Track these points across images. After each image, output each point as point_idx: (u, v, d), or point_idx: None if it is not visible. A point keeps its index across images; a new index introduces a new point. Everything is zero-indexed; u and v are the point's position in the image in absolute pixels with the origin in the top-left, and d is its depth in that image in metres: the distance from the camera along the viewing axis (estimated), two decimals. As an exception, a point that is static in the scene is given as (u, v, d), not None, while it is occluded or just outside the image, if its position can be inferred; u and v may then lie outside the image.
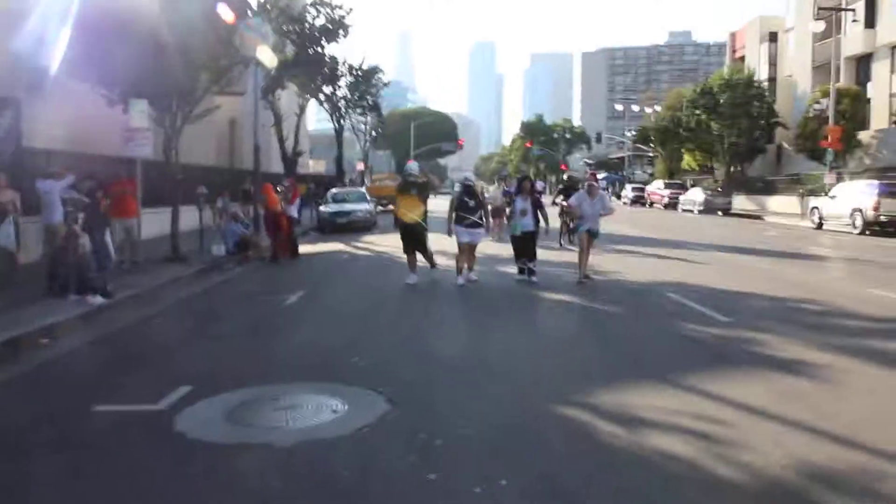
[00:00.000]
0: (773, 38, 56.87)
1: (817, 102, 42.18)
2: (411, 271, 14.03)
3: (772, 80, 55.59)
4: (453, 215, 13.87)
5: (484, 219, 14.11)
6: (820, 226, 30.15)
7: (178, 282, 14.66)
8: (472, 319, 10.91)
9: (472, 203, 13.95)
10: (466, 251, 13.88)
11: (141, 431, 5.98)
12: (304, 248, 21.18)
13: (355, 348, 8.74)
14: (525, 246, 14.04)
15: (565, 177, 21.79)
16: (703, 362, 7.90)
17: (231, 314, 11.77)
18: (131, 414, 6.43)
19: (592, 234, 13.86)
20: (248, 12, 18.32)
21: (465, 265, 13.91)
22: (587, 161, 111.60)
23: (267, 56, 17.05)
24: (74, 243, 12.15)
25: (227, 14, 15.68)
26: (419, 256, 14.59)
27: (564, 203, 19.27)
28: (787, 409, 6.14)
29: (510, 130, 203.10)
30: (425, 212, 14.37)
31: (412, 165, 15.56)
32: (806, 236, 26.65)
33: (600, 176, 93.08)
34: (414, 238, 14.20)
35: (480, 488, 4.67)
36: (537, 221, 14.08)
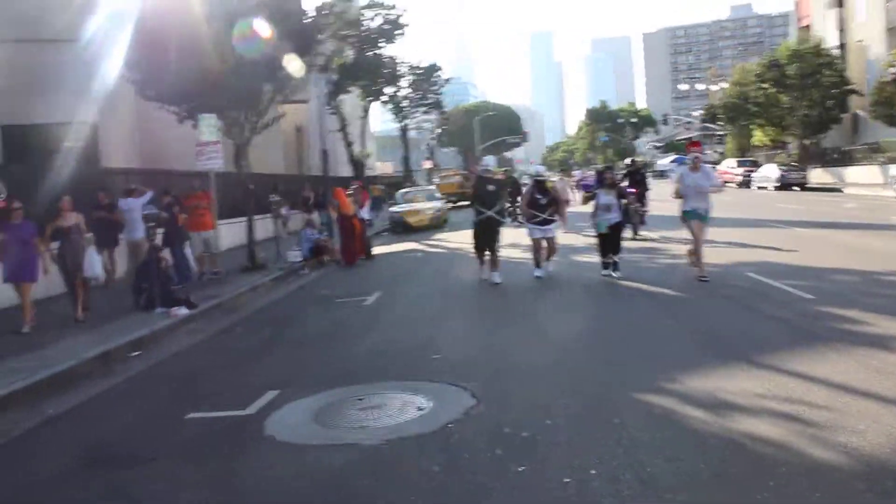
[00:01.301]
0: (840, 2, 54.93)
1: (893, 66, 40.62)
2: (482, 265, 13.78)
3: (842, 46, 53.72)
4: (525, 210, 13.58)
5: (558, 215, 13.69)
6: (904, 194, 29.06)
7: (257, 290, 14.98)
8: (548, 312, 10.86)
9: (543, 200, 13.36)
10: (542, 245, 13.47)
11: (232, 436, 6.14)
12: (377, 249, 21.38)
13: (435, 345, 8.81)
14: (611, 240, 13.06)
15: (628, 161, 19.41)
16: (789, 342, 7.71)
17: (311, 318, 11.96)
18: (222, 420, 6.61)
19: (702, 218, 12.02)
20: (305, 20, 18.52)
21: (543, 257, 13.51)
22: (655, 144, 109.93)
23: (295, 66, 17.11)
24: (157, 258, 12.53)
25: (264, 28, 15.89)
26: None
27: (631, 189, 17.76)
28: (881, 387, 5.96)
29: (574, 119, 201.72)
30: (503, 208, 13.99)
31: (488, 160, 15.64)
32: (890, 206, 25.71)
33: (668, 159, 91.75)
34: (489, 235, 13.48)
35: (570, 478, 4.66)
36: (624, 213, 13.44)
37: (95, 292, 13.38)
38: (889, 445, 4.79)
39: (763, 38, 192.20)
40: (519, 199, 15.06)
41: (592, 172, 70.58)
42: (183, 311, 11.94)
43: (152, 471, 5.53)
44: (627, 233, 17.83)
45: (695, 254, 12.04)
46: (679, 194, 12.12)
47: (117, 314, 11.98)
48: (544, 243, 13.48)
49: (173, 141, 20.39)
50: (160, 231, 14.10)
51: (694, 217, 11.92)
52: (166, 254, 13.99)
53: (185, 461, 5.69)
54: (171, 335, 10.95)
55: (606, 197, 13.08)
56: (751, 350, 7.41)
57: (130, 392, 8.16)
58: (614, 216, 13.01)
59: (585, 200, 13.63)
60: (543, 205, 13.33)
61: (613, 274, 12.77)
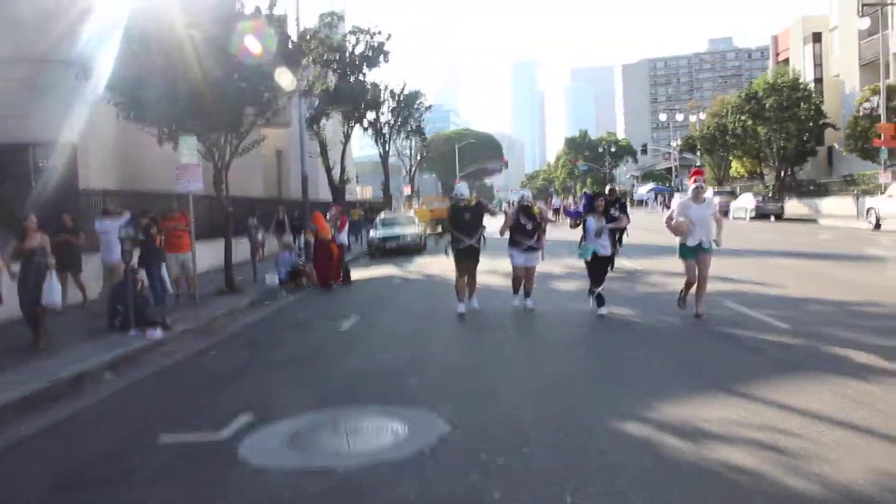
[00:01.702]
0: (816, 38, 55.96)
1: (867, 101, 41.28)
2: (460, 300, 13.01)
3: (818, 80, 54.65)
4: (508, 236, 12.98)
5: (540, 241, 12.96)
6: (877, 226, 29.44)
7: (233, 312, 14.87)
8: (526, 339, 10.86)
9: (529, 225, 12.75)
10: (523, 274, 12.93)
11: (205, 460, 6.06)
12: (355, 274, 21.32)
13: (411, 370, 8.77)
14: (600, 270, 12.27)
15: (607, 189, 18.15)
16: (765, 371, 7.75)
17: (287, 342, 11.88)
18: (196, 443, 6.52)
19: (703, 250, 11.09)
20: (289, 44, 18.58)
21: (522, 288, 13.04)
22: (633, 174, 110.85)
23: (286, 79, 17.12)
24: (133, 279, 12.42)
25: (255, 47, 15.92)
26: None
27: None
28: (856, 416, 5.99)
29: (554, 147, 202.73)
30: (482, 236, 13.29)
31: (461, 187, 13.83)
32: (863, 238, 26.02)
33: (647, 188, 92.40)
34: (470, 262, 12.99)
35: (545, 506, 4.63)
36: (614, 243, 12.60)
37: (61, 316, 13.26)
38: (862, 475, 4.81)
39: (741, 70, 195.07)
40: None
41: (571, 200, 70.98)
42: (157, 333, 11.81)
43: (123, 495, 5.43)
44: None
45: (696, 291, 11.13)
46: (678, 228, 11.02)
47: (91, 335, 11.84)
48: (525, 271, 12.92)
49: (153, 162, 20.30)
50: (136, 252, 14.00)
51: (698, 251, 11.02)
52: (142, 275, 13.87)
53: (157, 485, 5.60)
54: (146, 357, 10.82)
55: (597, 223, 12.20)
56: (727, 379, 7.43)
57: (103, 414, 8.04)
58: (605, 244, 12.23)
59: (574, 226, 12.48)
60: (529, 230, 12.75)
61: (598, 309, 11.89)
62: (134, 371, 10.00)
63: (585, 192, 13.17)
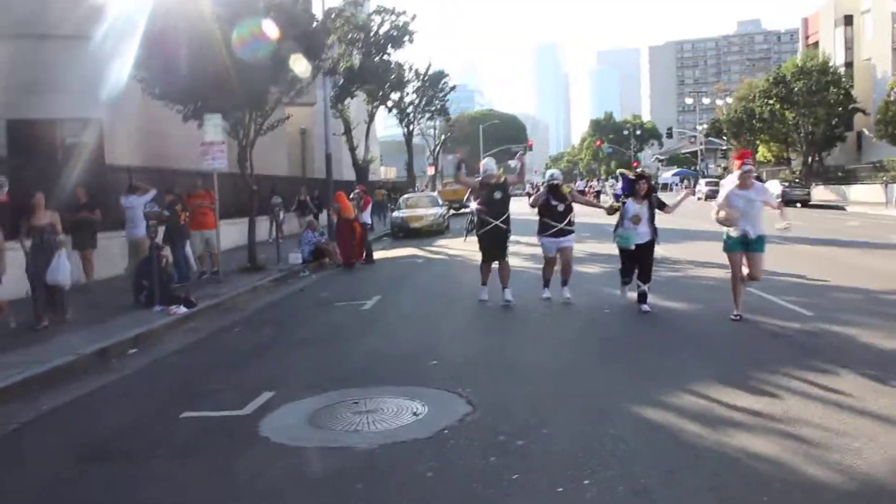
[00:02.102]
0: (848, 21, 55.09)
1: (899, 85, 40.66)
2: (484, 284, 12.35)
3: (848, 64, 53.89)
4: (539, 220, 12.02)
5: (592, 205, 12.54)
6: (906, 214, 29.07)
7: (256, 290, 14.98)
8: (549, 321, 10.84)
9: (560, 207, 11.76)
10: (555, 262, 11.98)
11: (227, 437, 6.13)
12: (378, 254, 21.40)
13: (433, 351, 8.80)
14: (640, 260, 10.99)
15: (627, 173, 12.92)
16: (788, 358, 7.70)
17: (309, 321, 11.96)
18: (217, 420, 6.60)
19: (753, 246, 9.67)
20: (314, 24, 18.56)
21: (560, 275, 11.97)
22: (658, 157, 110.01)
23: (301, 67, 17.11)
24: (158, 256, 12.54)
25: (272, 31, 15.91)
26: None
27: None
28: (878, 405, 5.95)
29: (579, 129, 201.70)
30: (509, 216, 12.30)
31: (489, 163, 12.64)
32: (891, 226, 25.70)
33: (671, 171, 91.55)
34: (498, 245, 12.06)
35: (563, 488, 4.66)
36: (655, 230, 11.04)
37: (85, 293, 13.44)
38: (885, 464, 4.78)
39: (770, 54, 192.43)
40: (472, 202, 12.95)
41: (596, 183, 70.33)
42: (182, 309, 11.94)
43: (146, 469, 5.52)
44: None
45: (734, 288, 9.88)
46: (726, 219, 9.65)
47: (116, 311, 11.98)
48: (558, 258, 11.91)
49: (178, 140, 20.40)
50: (161, 229, 14.12)
51: (742, 247, 9.67)
52: (167, 252, 14.00)
53: (180, 460, 5.69)
54: (170, 333, 10.95)
55: (636, 207, 10.92)
56: (748, 366, 7.40)
57: (126, 389, 8.15)
58: (645, 231, 10.88)
59: (612, 211, 11.31)
60: (560, 212, 11.76)
61: (641, 307, 10.76)
62: (158, 347, 10.12)
63: (622, 174, 12.35)
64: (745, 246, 9.63)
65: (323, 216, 25.87)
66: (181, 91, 15.92)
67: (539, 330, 10.18)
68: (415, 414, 6.32)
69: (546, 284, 12.23)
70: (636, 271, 11.14)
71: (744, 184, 9.65)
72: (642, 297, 10.89)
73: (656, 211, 11.05)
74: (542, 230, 11.96)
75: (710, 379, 7.00)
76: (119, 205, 15.26)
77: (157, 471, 5.48)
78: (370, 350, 9.23)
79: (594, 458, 5.14)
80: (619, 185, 11.49)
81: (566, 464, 5.06)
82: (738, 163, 10.02)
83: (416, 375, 7.67)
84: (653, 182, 13.57)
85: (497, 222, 11.94)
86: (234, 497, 4.99)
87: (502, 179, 12.49)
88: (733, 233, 9.62)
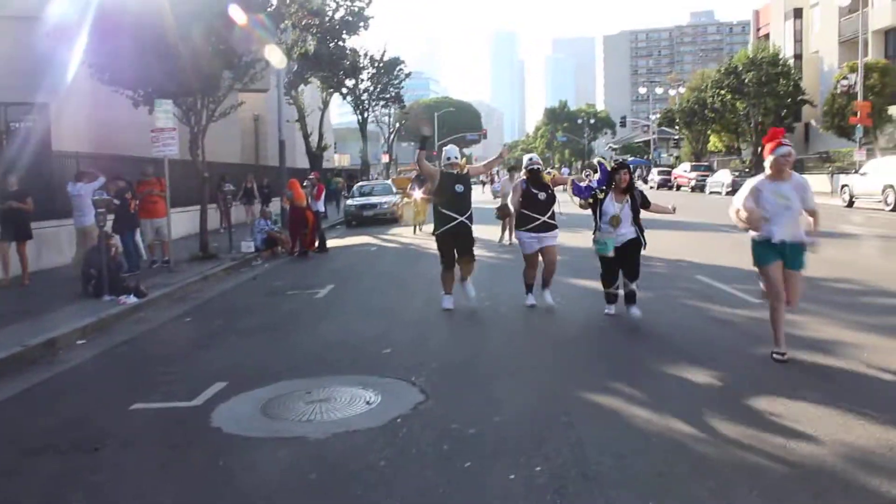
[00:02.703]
0: (797, 14, 56.10)
1: (845, 78, 41.55)
2: (447, 293, 10.66)
3: (797, 57, 54.90)
4: (512, 213, 10.74)
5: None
6: (851, 204, 29.76)
7: (208, 279, 14.82)
8: (504, 310, 10.89)
9: (541, 195, 10.22)
10: (536, 262, 10.46)
11: (178, 428, 6.07)
12: (331, 242, 21.29)
13: (386, 340, 8.80)
14: (625, 263, 9.39)
15: (605, 163, 10.35)
16: (736, 345, 7.86)
17: (262, 309, 11.87)
18: (168, 411, 6.53)
19: (794, 261, 7.22)
20: (267, 9, 18.35)
21: (541, 279, 10.59)
22: (612, 146, 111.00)
23: (276, 56, 16.96)
24: (107, 244, 12.33)
25: (239, 15, 15.72)
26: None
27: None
28: (821, 390, 6.10)
29: (534, 118, 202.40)
30: (472, 213, 10.76)
31: (451, 150, 10.84)
32: (837, 215, 26.31)
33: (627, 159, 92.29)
34: (462, 244, 10.42)
35: (515, 475, 4.70)
36: (641, 229, 9.47)
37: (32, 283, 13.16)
38: (826, 447, 4.92)
39: (722, 44, 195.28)
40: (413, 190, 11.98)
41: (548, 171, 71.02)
42: (131, 299, 11.76)
43: (95, 461, 5.44)
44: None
45: (774, 316, 7.20)
46: (748, 221, 7.14)
47: (64, 301, 11.77)
48: (540, 257, 10.41)
49: (128, 126, 20.06)
50: (110, 217, 13.87)
51: (778, 256, 7.13)
52: (117, 240, 13.76)
53: (130, 452, 5.62)
54: (119, 324, 10.78)
55: (615, 206, 9.32)
56: (698, 352, 7.53)
57: (75, 381, 8.01)
58: (626, 232, 9.34)
59: (585, 206, 9.80)
60: (542, 202, 10.23)
61: (630, 312, 9.30)
62: (107, 338, 9.96)
63: (601, 163, 10.09)
64: (784, 256, 7.12)
65: (275, 204, 25.60)
66: (131, 76, 15.65)
67: (493, 319, 10.21)
68: (368, 403, 6.32)
69: (529, 290, 10.63)
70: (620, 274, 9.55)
71: (778, 172, 6.99)
72: (630, 298, 9.36)
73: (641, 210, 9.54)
74: (521, 223, 10.36)
75: (659, 366, 7.11)
76: (66, 192, 14.94)
77: (105, 463, 5.41)
78: (323, 339, 9.20)
79: (546, 444, 5.20)
80: (597, 176, 9.83)
81: (518, 451, 5.11)
82: (769, 146, 7.13)
83: (370, 364, 7.66)
84: (635, 175, 10.98)
85: (462, 218, 10.23)
86: (184, 488, 4.95)
87: (465, 170, 10.63)
88: (774, 235, 7.03)
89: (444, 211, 10.34)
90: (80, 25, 15.61)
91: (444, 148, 10.87)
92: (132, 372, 8.21)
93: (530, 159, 10.73)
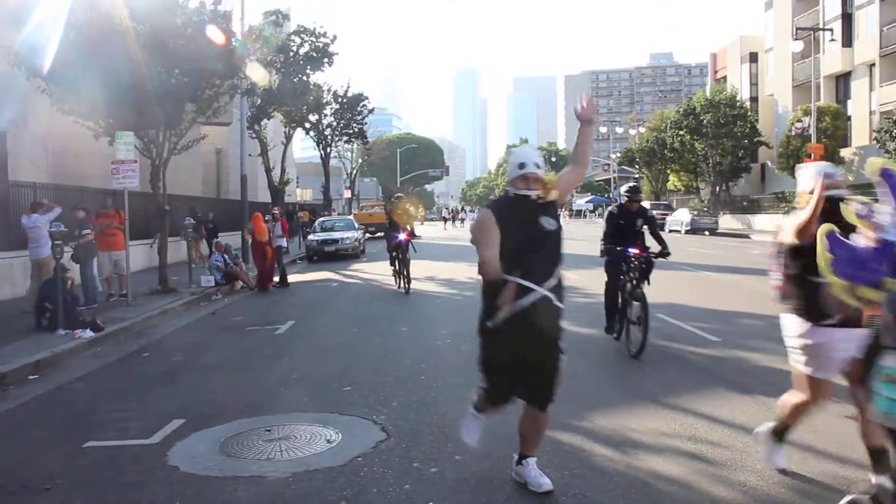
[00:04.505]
0: (753, 58, 57.65)
1: (799, 121, 42.67)
2: (479, 412, 5.98)
3: (754, 99, 56.28)
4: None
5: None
6: (806, 243, 30.29)
7: (166, 314, 14.61)
8: (460, 347, 10.85)
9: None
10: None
11: (134, 466, 5.93)
12: (293, 277, 21.16)
13: (347, 377, 8.72)
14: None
15: (625, 189, 9.98)
16: (696, 383, 7.92)
17: (221, 345, 11.72)
18: (123, 449, 6.38)
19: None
20: (233, 41, 18.36)
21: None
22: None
23: (259, 74, 16.98)
24: (63, 277, 12.11)
25: (217, 36, 15.72)
26: None
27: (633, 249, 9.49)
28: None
29: (495, 154, 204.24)
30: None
31: (528, 153, 5.15)
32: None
33: (585, 199, 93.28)
34: (541, 352, 5.11)
35: (477, 515, 4.66)
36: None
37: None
38: (784, 484, 4.97)
39: (681, 86, 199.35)
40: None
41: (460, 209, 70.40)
42: (87, 333, 11.54)
43: (46, 500, 5.29)
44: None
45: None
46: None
47: (17, 334, 11.51)
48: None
49: (88, 157, 19.85)
50: (69, 248, 13.64)
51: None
52: (73, 273, 13.53)
53: (82, 491, 5.47)
54: (74, 358, 10.56)
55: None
56: (658, 390, 7.58)
57: (26, 417, 7.81)
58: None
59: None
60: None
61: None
62: (61, 373, 9.75)
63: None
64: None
65: (234, 238, 25.32)
66: (92, 107, 15.50)
67: (452, 355, 10.18)
68: (328, 441, 6.25)
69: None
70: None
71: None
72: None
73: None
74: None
75: (619, 403, 7.14)
76: (21, 224, 14.67)
77: (55, 502, 5.26)
78: (283, 376, 9.09)
79: (507, 483, 5.17)
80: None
81: (479, 490, 5.08)
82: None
83: (330, 402, 7.59)
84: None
85: (543, 291, 4.96)
86: (139, 529, 4.83)
87: (552, 194, 5.12)
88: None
89: (516, 276, 4.87)
90: (41, 54, 15.45)
91: (513, 151, 5.35)
92: (86, 408, 8.03)
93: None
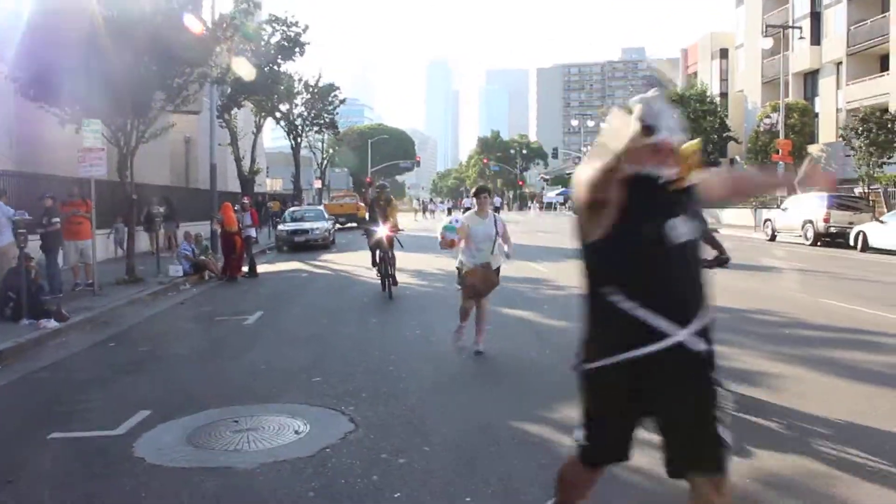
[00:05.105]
0: (723, 54, 58.11)
1: (768, 117, 43.16)
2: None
3: (723, 95, 56.74)
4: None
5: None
6: (773, 237, 30.72)
7: (134, 304, 14.46)
8: (437, 338, 10.88)
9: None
10: None
11: (99, 458, 5.87)
12: (262, 268, 21.03)
13: (316, 368, 8.70)
14: None
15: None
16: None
17: (189, 336, 11.63)
18: (89, 440, 6.31)
19: None
20: (204, 29, 18.16)
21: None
22: (544, 177, 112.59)
23: (245, 69, 16.88)
24: (27, 266, 11.94)
25: (195, 25, 15.56)
26: None
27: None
28: (748, 421, 6.24)
29: (467, 147, 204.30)
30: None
31: (657, 108, 3.04)
32: (759, 248, 27.12)
33: (556, 191, 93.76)
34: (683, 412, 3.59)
35: (444, 506, 4.68)
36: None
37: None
38: (751, 476, 5.04)
39: (652, 81, 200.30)
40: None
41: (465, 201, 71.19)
42: (52, 323, 11.39)
43: (8, 494, 5.22)
44: None
45: None
46: None
47: (-20, 324, 11.34)
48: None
49: (54, 144, 19.54)
50: (34, 237, 13.45)
51: None
52: (36, 262, 13.33)
53: (47, 484, 5.41)
54: (38, 348, 10.42)
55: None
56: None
57: (-11, 407, 7.71)
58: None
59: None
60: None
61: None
62: (25, 363, 9.62)
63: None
64: None
65: (204, 227, 25.03)
66: (59, 94, 15.26)
67: (422, 346, 10.20)
68: (296, 432, 6.23)
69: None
70: None
71: None
72: None
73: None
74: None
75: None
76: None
77: (19, 496, 5.20)
78: (251, 366, 9.04)
79: (475, 475, 5.19)
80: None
81: (447, 481, 5.09)
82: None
83: (299, 393, 7.57)
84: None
85: (679, 335, 3.22)
86: (104, 521, 4.78)
87: (689, 176, 3.24)
88: None
89: (616, 303, 3.22)
90: (6, 38, 15.19)
91: (643, 102, 3.08)
92: (51, 399, 7.92)
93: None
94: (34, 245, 13.83)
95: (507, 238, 9.12)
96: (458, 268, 9.23)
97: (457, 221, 9.05)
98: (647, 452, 5.55)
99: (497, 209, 70.98)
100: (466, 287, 9.11)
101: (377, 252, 15.05)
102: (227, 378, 8.49)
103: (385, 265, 14.62)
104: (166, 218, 23.72)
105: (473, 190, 9.45)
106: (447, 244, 8.94)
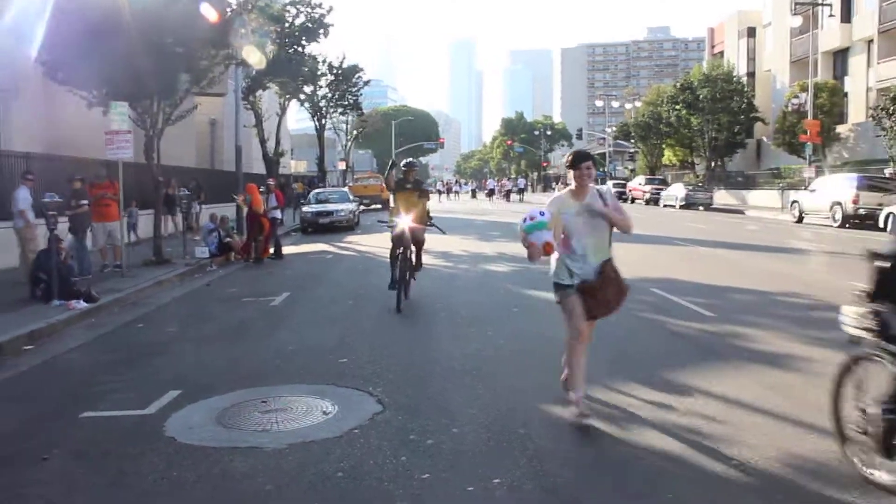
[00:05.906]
0: (751, 33, 57.28)
1: (795, 97, 42.51)
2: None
3: (751, 74, 56.01)
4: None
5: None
6: (800, 219, 30.37)
7: (161, 285, 14.59)
8: (462, 320, 10.87)
9: None
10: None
11: (130, 437, 5.94)
12: (287, 249, 21.13)
13: (343, 349, 8.73)
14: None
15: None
16: (690, 358, 7.95)
17: (217, 316, 11.71)
18: (120, 419, 6.39)
19: None
20: (228, 11, 18.18)
21: None
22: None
23: (255, 56, 16.87)
24: (57, 248, 12.06)
25: (210, 14, 15.57)
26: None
27: None
28: (772, 403, 6.20)
29: (491, 128, 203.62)
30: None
31: None
32: (787, 230, 26.84)
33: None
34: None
35: (473, 486, 4.69)
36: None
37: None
38: (779, 459, 4.99)
39: (678, 60, 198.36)
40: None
41: (507, 181, 71.00)
42: (82, 304, 11.52)
43: (43, 471, 5.30)
44: None
45: None
46: None
47: (10, 306, 11.48)
48: None
49: (82, 126, 19.68)
50: (64, 219, 13.56)
51: None
52: (68, 243, 13.46)
53: (80, 462, 5.48)
54: (69, 329, 10.55)
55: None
56: (653, 365, 7.60)
57: (21, 388, 7.81)
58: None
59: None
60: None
61: None
62: (56, 344, 9.74)
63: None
64: None
65: (229, 209, 25.15)
66: (86, 76, 15.36)
67: (447, 328, 10.20)
68: (325, 413, 6.26)
69: None
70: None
71: None
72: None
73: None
74: None
75: (615, 377, 7.16)
76: (11, 195, 14.53)
77: (52, 473, 5.27)
78: (279, 347, 9.09)
79: (504, 456, 5.20)
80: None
81: (476, 462, 5.10)
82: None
83: (326, 374, 7.60)
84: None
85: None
86: (136, 499, 4.84)
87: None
88: None
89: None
90: (34, 22, 15.28)
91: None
92: (82, 379, 8.03)
93: None
94: (62, 227, 13.95)
95: (619, 209, 6.26)
96: (556, 282, 6.28)
97: (541, 214, 5.77)
98: (658, 435, 5.54)
99: (521, 191, 70.58)
100: (577, 308, 6.21)
101: (399, 249, 11.75)
102: (254, 359, 8.55)
103: (403, 268, 11.57)
104: (190, 200, 23.84)
105: (568, 158, 6.18)
106: (539, 252, 5.76)
